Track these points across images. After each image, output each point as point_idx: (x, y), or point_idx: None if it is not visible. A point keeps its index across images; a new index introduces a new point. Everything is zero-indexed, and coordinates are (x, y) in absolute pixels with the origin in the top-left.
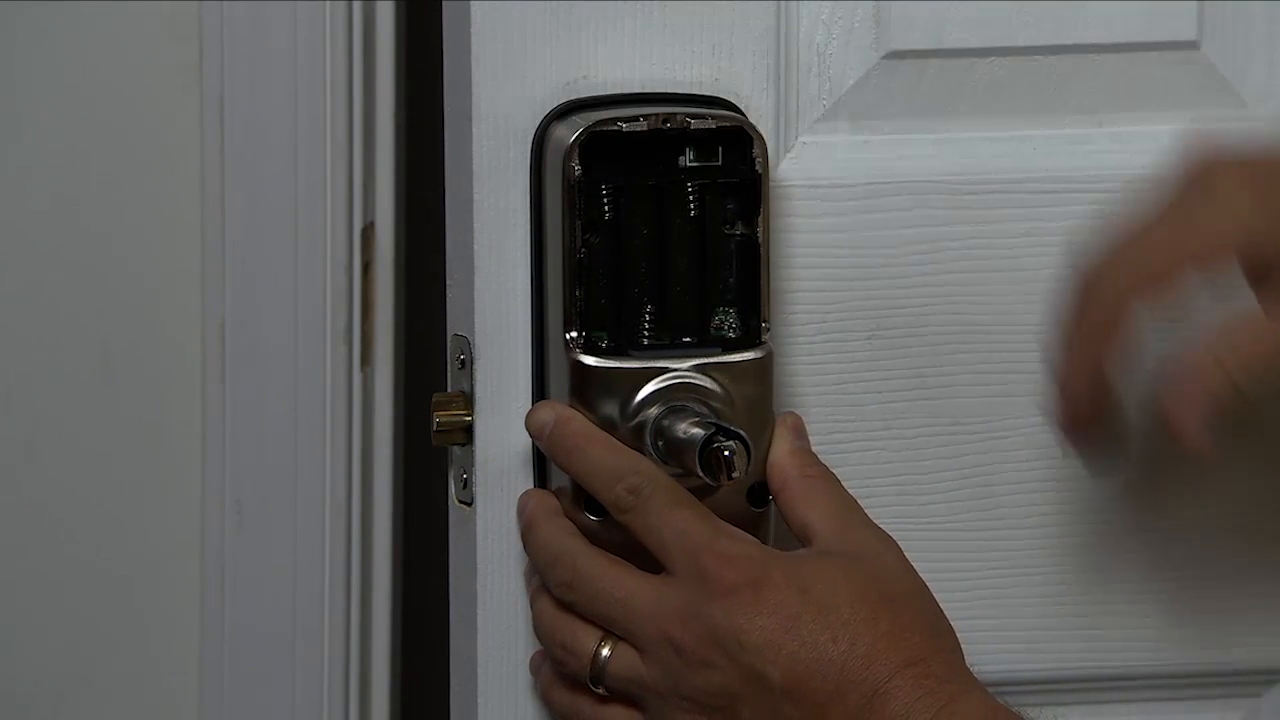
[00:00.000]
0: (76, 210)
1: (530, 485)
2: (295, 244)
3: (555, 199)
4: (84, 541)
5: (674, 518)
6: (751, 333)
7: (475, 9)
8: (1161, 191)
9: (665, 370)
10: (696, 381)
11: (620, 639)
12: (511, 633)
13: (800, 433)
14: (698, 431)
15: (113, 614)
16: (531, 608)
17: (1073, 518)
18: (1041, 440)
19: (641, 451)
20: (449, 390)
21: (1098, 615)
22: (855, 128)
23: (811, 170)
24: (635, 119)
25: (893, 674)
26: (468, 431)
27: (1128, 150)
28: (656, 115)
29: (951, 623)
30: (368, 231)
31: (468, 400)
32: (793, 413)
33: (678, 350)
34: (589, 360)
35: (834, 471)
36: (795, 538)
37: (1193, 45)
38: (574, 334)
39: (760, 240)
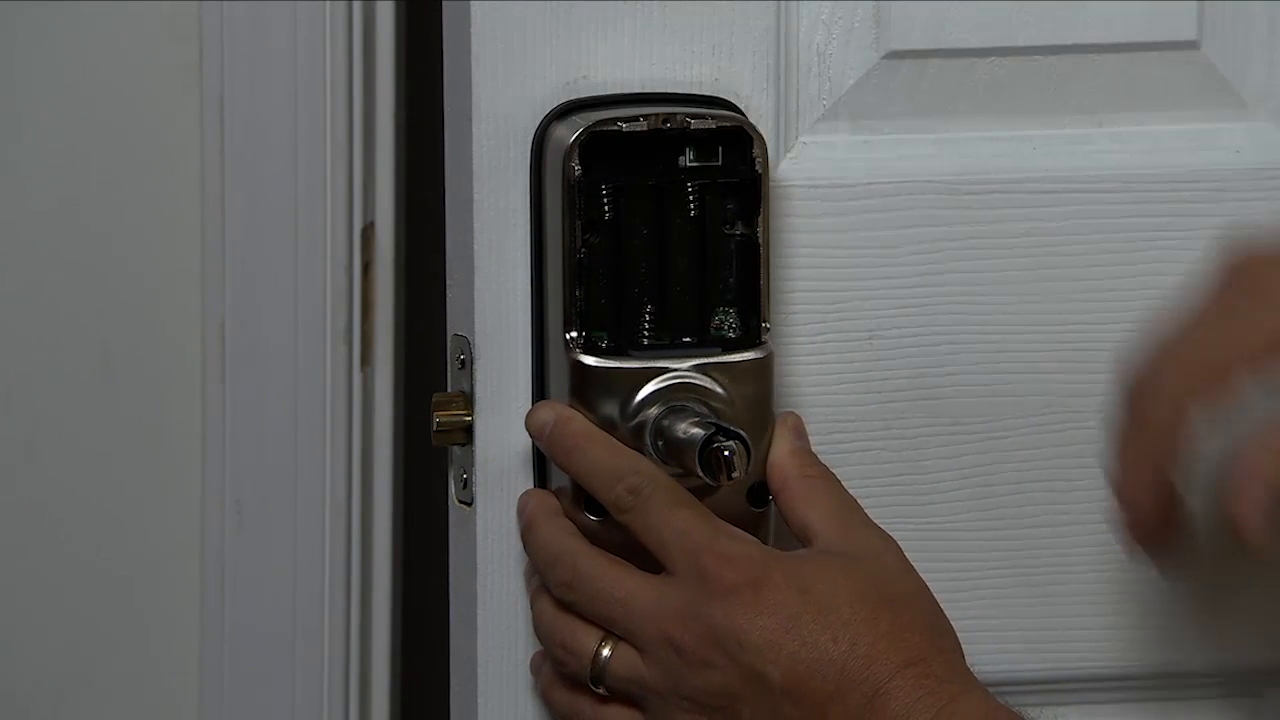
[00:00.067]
0: (76, 210)
1: (530, 485)
2: (295, 244)
3: (555, 199)
4: (84, 541)
5: (674, 518)
6: (751, 333)
7: (475, 9)
8: (1202, 291)
9: (665, 370)
10: (696, 381)
11: (620, 639)
12: (511, 633)
13: (800, 433)
14: (698, 431)
15: (113, 614)
16: (532, 608)
17: (1073, 518)
18: (1041, 440)
19: (641, 451)
20: (449, 390)
21: (1098, 615)
22: (855, 128)
23: (811, 170)
24: (635, 119)
25: (893, 674)
26: (468, 431)
27: (1128, 150)
28: (656, 115)
29: (951, 623)
30: (368, 231)
31: (468, 400)
32: (793, 413)
33: (678, 350)
34: (589, 360)
35: (834, 471)
36: (795, 538)
37: (1193, 45)
38: (574, 334)
39: (760, 240)
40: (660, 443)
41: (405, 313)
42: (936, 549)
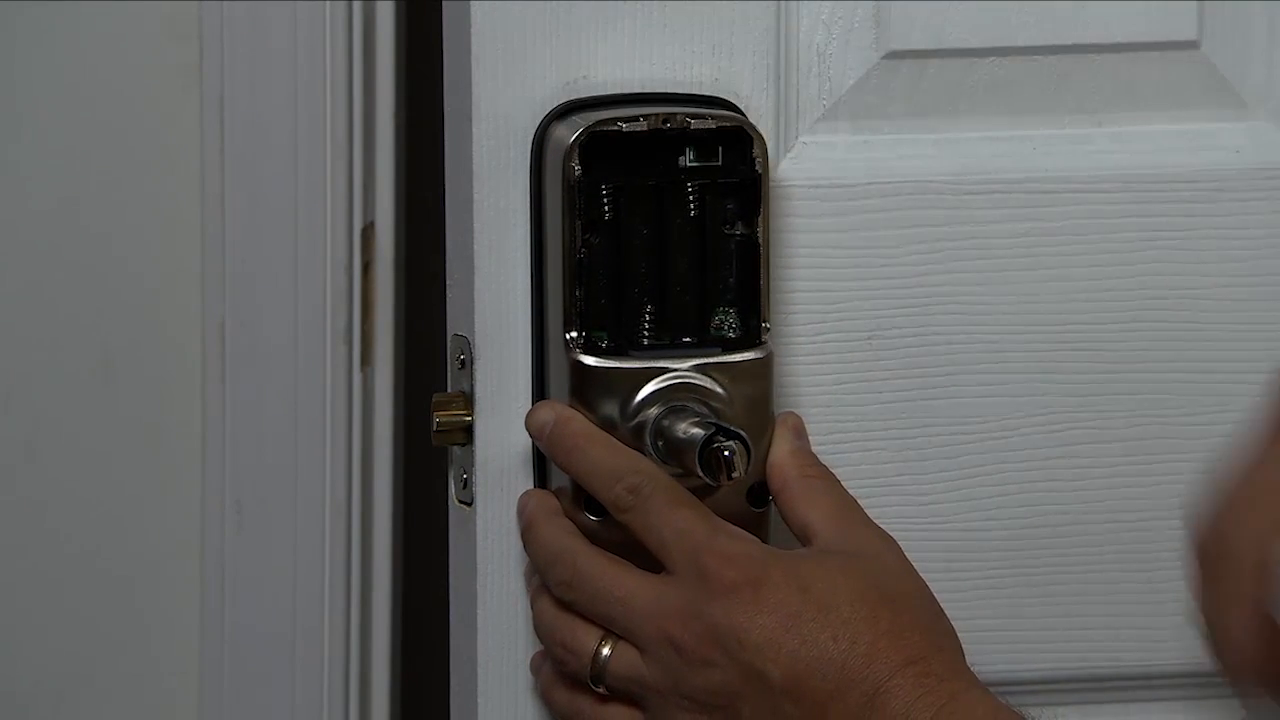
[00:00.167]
0: (76, 210)
1: (530, 485)
2: (295, 244)
3: (555, 199)
4: (84, 541)
5: (674, 517)
6: (751, 333)
7: (475, 9)
8: (1258, 429)
9: (665, 370)
10: (696, 381)
11: (620, 638)
12: (511, 633)
13: (800, 433)
14: (698, 431)
15: (113, 614)
16: (532, 607)
17: (1073, 518)
18: (1041, 440)
19: (641, 451)
20: (449, 390)
21: (1098, 615)
22: (855, 128)
23: (811, 170)
24: (635, 119)
25: (893, 672)
26: (468, 431)
27: (1128, 150)
28: (656, 115)
29: (952, 623)
30: (368, 231)
31: (468, 400)
32: (793, 413)
33: (678, 350)
34: (589, 360)
35: (834, 471)
36: (795, 538)
37: (1193, 45)
38: (574, 334)
39: (760, 240)
40: (660, 443)
41: (405, 313)
42: (936, 549)
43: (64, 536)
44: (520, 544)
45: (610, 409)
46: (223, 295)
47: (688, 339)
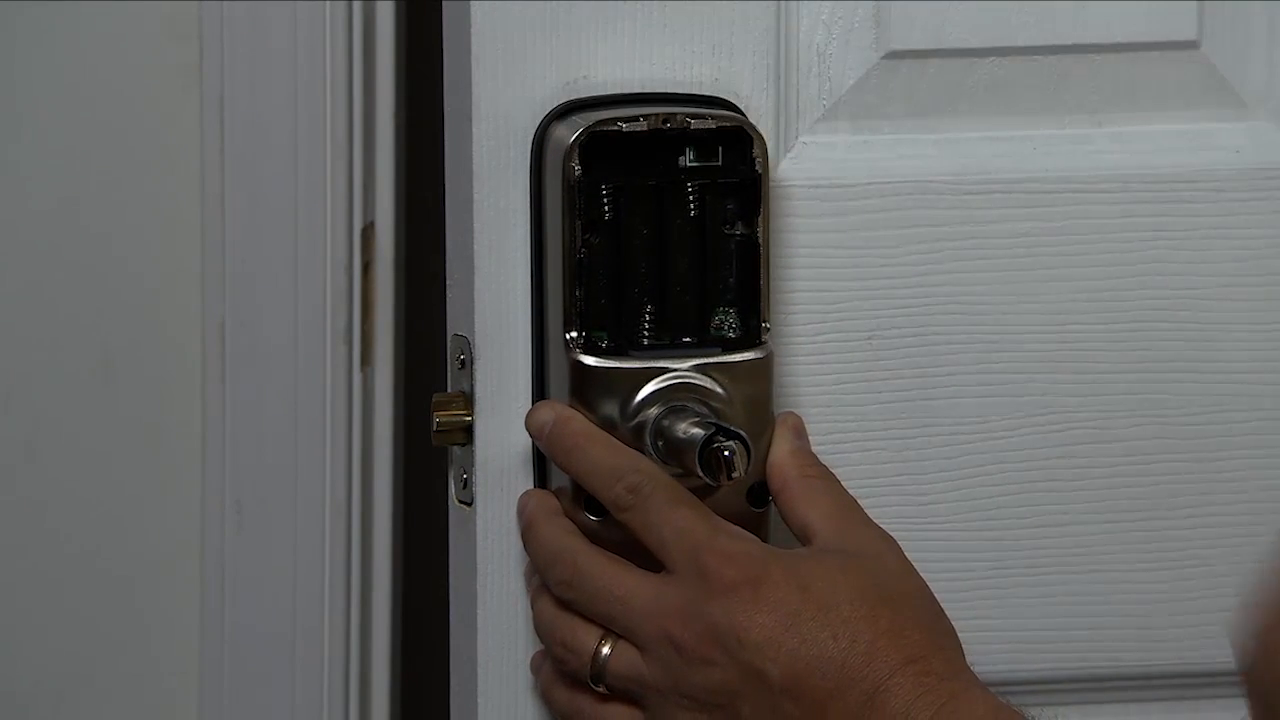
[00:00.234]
0: (76, 210)
1: (530, 485)
2: (295, 244)
3: (555, 199)
4: (84, 541)
5: (674, 516)
6: (751, 333)
7: (475, 9)
8: None
9: (665, 370)
10: (696, 381)
11: (620, 637)
12: (511, 633)
13: (800, 433)
14: (698, 431)
15: (113, 614)
16: (532, 607)
17: (1073, 518)
18: (1041, 440)
19: (641, 451)
20: (449, 390)
21: (1098, 615)
22: (855, 128)
23: (811, 170)
24: (635, 119)
25: (893, 671)
26: (468, 431)
27: (1128, 150)
28: (656, 115)
29: (952, 623)
30: (368, 231)
31: (468, 400)
32: (793, 413)
33: (678, 350)
34: (589, 360)
35: (834, 471)
36: (795, 538)
37: (1193, 45)
38: (574, 334)
39: (760, 240)
40: (660, 443)
41: (405, 313)
42: (936, 549)
43: (64, 536)
44: (520, 544)
45: (610, 409)
46: (223, 295)
47: (688, 339)
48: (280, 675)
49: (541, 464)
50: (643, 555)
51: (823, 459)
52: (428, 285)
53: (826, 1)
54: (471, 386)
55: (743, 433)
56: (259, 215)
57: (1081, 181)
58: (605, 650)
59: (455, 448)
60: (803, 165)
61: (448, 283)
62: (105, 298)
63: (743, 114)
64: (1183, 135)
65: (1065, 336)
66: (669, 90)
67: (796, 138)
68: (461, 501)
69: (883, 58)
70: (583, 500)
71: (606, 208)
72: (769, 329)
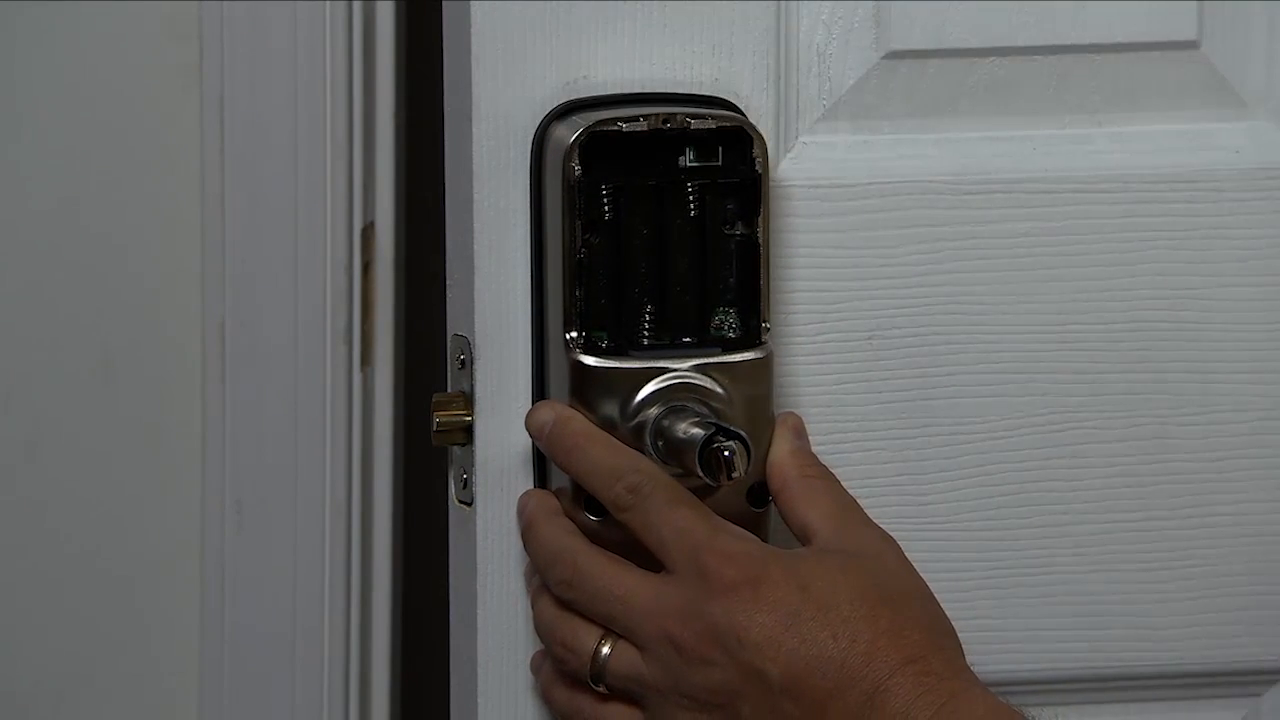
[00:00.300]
0: (76, 210)
1: (530, 485)
2: (295, 244)
3: (555, 199)
4: (84, 541)
5: (673, 516)
6: (751, 333)
7: (475, 9)
8: None
9: (665, 370)
10: (696, 381)
11: (620, 637)
12: (511, 633)
13: (800, 433)
14: (698, 431)
15: (113, 614)
16: (532, 607)
17: (1073, 518)
18: (1041, 440)
19: (641, 451)
20: (449, 390)
21: (1098, 615)
22: (855, 128)
23: (811, 170)
24: (635, 119)
25: (893, 671)
26: (468, 431)
27: (1128, 150)
28: (656, 115)
29: (952, 623)
30: (368, 231)
31: (468, 400)
32: (793, 413)
33: (678, 350)
34: (589, 360)
35: (834, 471)
36: (795, 538)
37: (1193, 45)
38: (574, 334)
39: (760, 240)
40: (660, 443)
41: (405, 313)
42: (936, 549)
43: (64, 536)
44: (520, 544)
45: (610, 409)
46: (223, 295)
47: (688, 339)
48: (280, 675)
49: (541, 464)
50: (643, 555)
51: (823, 459)
52: (428, 285)
53: (826, 1)
54: (471, 386)
55: (743, 433)
56: (259, 215)
57: (1081, 181)
58: (605, 650)
59: (455, 448)
60: (803, 165)
61: (448, 283)
62: (105, 298)
63: (743, 114)
64: (1183, 135)
65: (1065, 336)
66: (669, 90)
67: (796, 138)
68: (461, 501)
69: (883, 58)
70: (583, 500)
71: (606, 208)
72: (769, 329)
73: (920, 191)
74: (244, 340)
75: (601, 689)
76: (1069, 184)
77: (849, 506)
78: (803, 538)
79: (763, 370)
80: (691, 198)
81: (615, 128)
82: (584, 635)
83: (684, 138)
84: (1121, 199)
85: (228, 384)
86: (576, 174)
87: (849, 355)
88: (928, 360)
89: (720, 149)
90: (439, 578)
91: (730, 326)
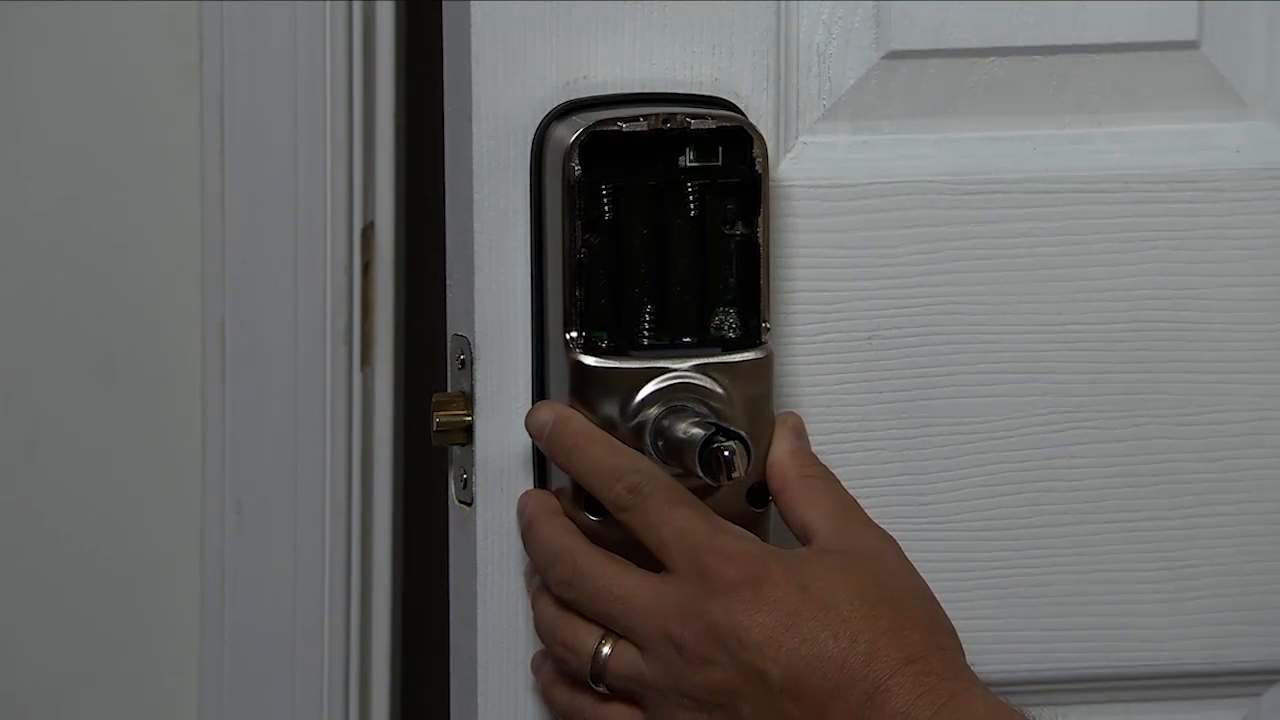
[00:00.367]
0: (76, 210)
1: (530, 485)
2: (295, 244)
3: (555, 199)
4: (84, 541)
5: (674, 516)
6: (751, 333)
7: (475, 9)
8: None
9: (665, 370)
10: (696, 382)
11: (621, 637)
12: (511, 633)
13: (800, 433)
14: (698, 432)
15: (113, 614)
16: (532, 607)
17: (1073, 518)
18: (1041, 440)
19: (641, 451)
20: (449, 390)
21: (1098, 615)
22: (855, 128)
23: (811, 170)
24: (635, 119)
25: (893, 671)
26: (468, 431)
27: (1128, 150)
28: (656, 115)
29: (952, 622)
30: (368, 231)
31: (468, 400)
32: (793, 413)
33: (678, 350)
34: (589, 360)
35: (834, 471)
36: (795, 538)
37: (1193, 45)
38: (574, 334)
39: (760, 240)
40: (660, 443)
41: (405, 313)
42: (937, 549)
43: (64, 536)
44: (520, 544)
45: (610, 409)
46: (223, 295)
47: (688, 339)
48: (280, 675)
49: (541, 464)
50: (643, 555)
51: (823, 459)
52: (428, 285)
53: (826, 1)
54: (471, 386)
55: (743, 433)
56: (259, 215)
57: (1081, 181)
58: (605, 650)
59: (455, 448)
60: (803, 165)
61: (448, 283)
62: (105, 298)
63: (743, 114)
64: (1183, 135)
65: (1065, 336)
66: (669, 90)
67: (796, 138)
68: (461, 501)
69: (883, 58)
70: (583, 500)
71: (606, 208)
72: (769, 329)
73: (920, 191)
74: (244, 340)
75: (602, 689)
76: (1069, 184)
77: (849, 506)
78: (803, 538)
79: (763, 370)
80: (691, 198)
81: (615, 128)
82: (584, 635)
83: (684, 138)
84: (1121, 199)
85: (228, 384)
86: (576, 174)
87: (849, 355)
88: (928, 360)
89: (720, 149)
90: (439, 578)
91: (730, 326)
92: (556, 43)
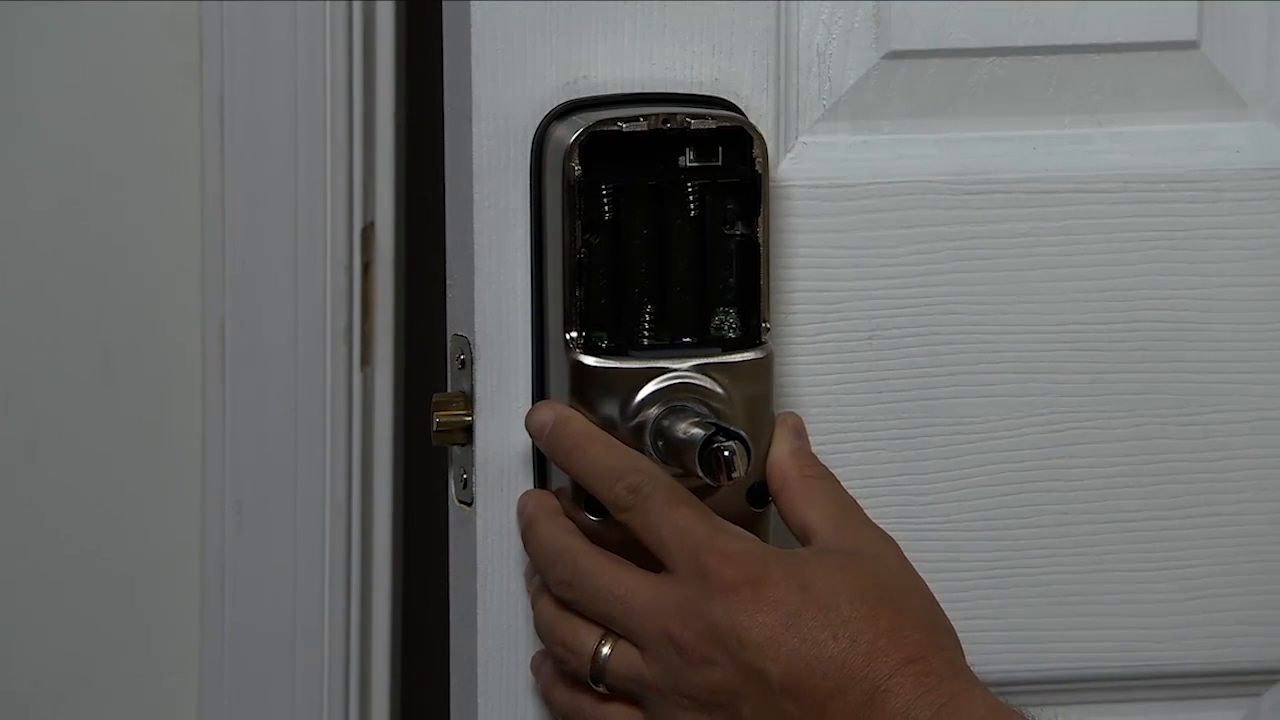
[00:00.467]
0: (76, 210)
1: (530, 485)
2: (295, 244)
3: (555, 199)
4: (84, 541)
5: (674, 516)
6: (751, 333)
7: (475, 9)
8: None
9: (665, 370)
10: (696, 382)
11: (620, 637)
12: (511, 633)
13: (800, 433)
14: (698, 432)
15: (113, 614)
16: (532, 607)
17: (1073, 518)
18: (1041, 440)
19: (641, 452)
20: (449, 390)
21: (1098, 615)
22: (855, 128)
23: (811, 170)
24: (635, 119)
25: (893, 671)
26: (468, 431)
27: (1128, 150)
28: (656, 115)
29: (952, 623)
30: (368, 231)
31: (468, 400)
32: (793, 413)
33: (678, 350)
34: (589, 360)
35: (834, 471)
36: (795, 538)
37: (1193, 45)
38: (574, 334)
39: (760, 240)
40: (660, 443)
41: (405, 313)
42: (936, 549)
43: (64, 536)
44: (520, 544)
45: (610, 409)
46: (223, 295)
47: (688, 339)
48: (280, 675)
49: (541, 464)
50: (643, 555)
51: (823, 459)
52: (428, 285)
53: (826, 1)
54: (471, 386)
55: (743, 433)
56: (259, 215)
57: (1081, 181)
58: (605, 650)
59: (455, 448)
60: (803, 165)
61: (448, 283)
62: (105, 298)
63: (743, 114)
64: (1183, 135)
65: (1065, 336)
66: (669, 90)
67: (796, 138)
68: (461, 501)
69: (883, 58)
70: (583, 500)
71: (606, 208)
72: (769, 329)
73: (920, 191)
74: (244, 340)
75: (602, 689)
76: (1069, 184)
77: (849, 506)
78: (803, 538)
79: (763, 370)
80: (691, 198)
81: (615, 128)
82: (584, 635)
83: (684, 138)
84: (1121, 199)
85: (228, 384)
86: (576, 174)
87: (849, 355)
88: (928, 360)
89: (720, 149)
90: (439, 578)
91: (730, 326)
92: (556, 43)
